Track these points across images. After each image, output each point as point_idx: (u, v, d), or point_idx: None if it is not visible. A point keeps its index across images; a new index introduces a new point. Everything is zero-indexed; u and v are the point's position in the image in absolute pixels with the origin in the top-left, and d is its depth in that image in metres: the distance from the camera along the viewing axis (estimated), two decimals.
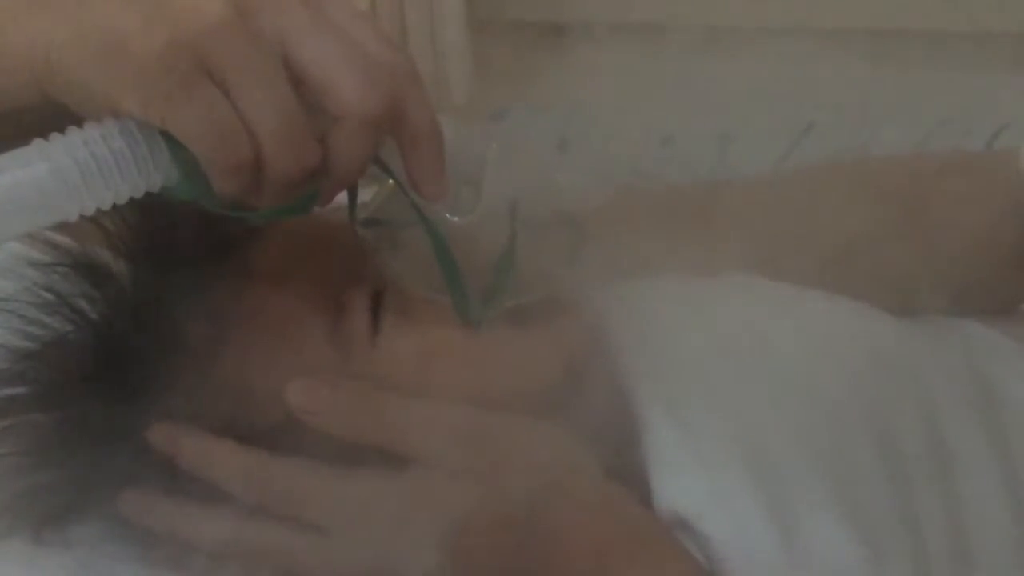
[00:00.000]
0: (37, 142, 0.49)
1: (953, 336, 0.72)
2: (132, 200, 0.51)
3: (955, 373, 0.68)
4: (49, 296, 0.61)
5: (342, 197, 0.57)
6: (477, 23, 1.51)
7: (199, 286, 0.60)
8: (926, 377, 0.67)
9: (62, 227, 0.56)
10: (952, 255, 0.74)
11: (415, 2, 1.50)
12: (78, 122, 0.49)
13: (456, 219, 0.59)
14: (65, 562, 0.62)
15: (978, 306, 0.75)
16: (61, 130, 0.49)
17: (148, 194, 0.51)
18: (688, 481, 0.60)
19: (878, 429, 0.64)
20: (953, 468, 0.64)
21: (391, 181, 0.58)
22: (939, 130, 1.14)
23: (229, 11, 0.48)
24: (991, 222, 0.74)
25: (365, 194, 0.60)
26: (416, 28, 1.50)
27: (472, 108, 1.49)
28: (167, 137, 0.50)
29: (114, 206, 0.50)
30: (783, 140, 1.13)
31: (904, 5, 1.24)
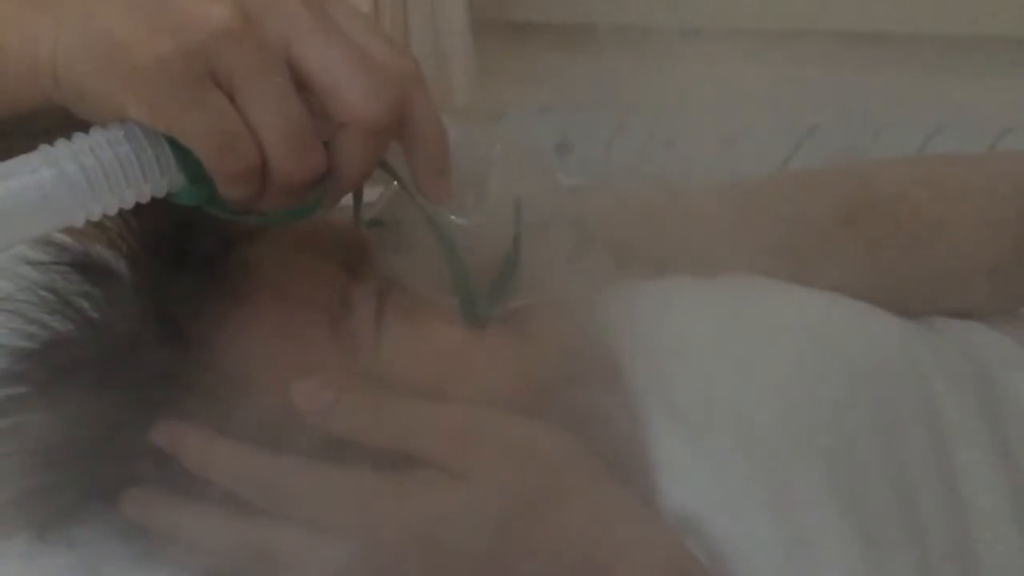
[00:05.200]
0: (43, 147, 0.49)
1: (956, 337, 0.72)
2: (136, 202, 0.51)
3: (957, 374, 0.68)
4: (49, 295, 0.61)
5: (347, 197, 0.57)
6: (479, 25, 1.51)
7: (201, 284, 0.60)
8: (929, 378, 0.67)
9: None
10: (956, 257, 0.74)
11: (417, 4, 1.51)
12: (84, 127, 0.49)
13: (460, 221, 0.59)
14: (68, 562, 0.62)
15: (980, 307, 0.75)
16: (67, 135, 0.49)
17: (154, 199, 0.51)
18: (694, 481, 0.60)
19: (881, 429, 0.64)
20: (956, 468, 0.64)
21: (396, 183, 0.58)
22: (942, 133, 1.14)
23: (234, 16, 0.48)
24: (994, 224, 0.74)
25: (370, 194, 0.60)
26: (418, 30, 1.50)
27: (474, 109, 1.49)
28: (173, 142, 0.50)
29: None
30: (786, 143, 1.14)
31: (908, 9, 1.24)
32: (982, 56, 1.19)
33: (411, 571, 0.57)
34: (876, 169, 0.82)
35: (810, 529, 0.59)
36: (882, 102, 1.18)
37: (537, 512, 0.58)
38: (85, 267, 0.62)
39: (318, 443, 0.57)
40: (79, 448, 0.60)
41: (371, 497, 0.57)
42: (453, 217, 0.58)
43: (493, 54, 1.50)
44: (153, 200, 0.51)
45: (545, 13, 1.38)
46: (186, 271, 0.60)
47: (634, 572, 0.58)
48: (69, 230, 0.62)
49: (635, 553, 0.59)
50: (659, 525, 0.60)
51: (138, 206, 0.51)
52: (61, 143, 0.49)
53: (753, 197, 0.77)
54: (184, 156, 0.50)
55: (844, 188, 0.77)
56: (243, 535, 0.59)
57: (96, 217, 0.49)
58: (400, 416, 0.58)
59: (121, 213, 0.59)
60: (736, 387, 0.64)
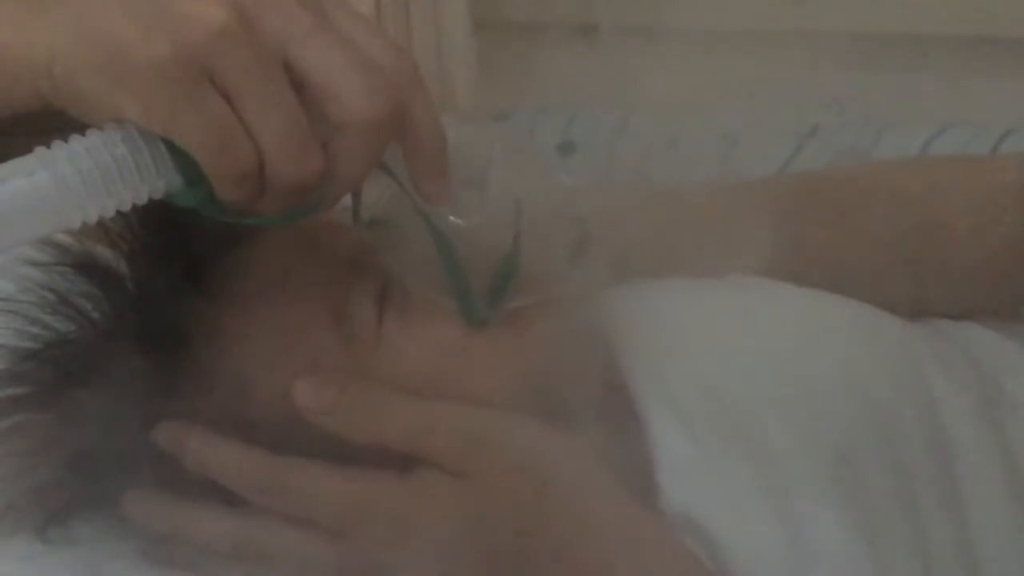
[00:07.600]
0: (39, 150, 0.48)
1: (957, 340, 0.72)
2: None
3: (959, 375, 0.68)
4: (50, 296, 0.61)
5: (347, 197, 0.57)
6: (481, 25, 1.51)
7: (201, 285, 0.60)
8: (930, 379, 0.67)
9: None
10: (956, 259, 0.74)
11: (419, 5, 1.51)
12: (80, 129, 0.49)
13: (460, 221, 0.59)
14: (69, 561, 0.62)
15: (984, 309, 0.75)
16: (64, 137, 0.49)
17: (151, 200, 0.51)
18: (694, 481, 0.60)
19: (882, 431, 0.64)
20: (956, 470, 0.64)
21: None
22: (944, 134, 1.14)
23: (231, 18, 0.48)
24: (995, 227, 0.74)
25: (369, 194, 0.60)
26: (421, 31, 1.50)
27: (476, 110, 1.49)
28: (169, 144, 0.50)
29: None
30: (787, 143, 1.14)
31: (909, 9, 1.24)
32: (984, 57, 1.19)
33: (411, 571, 0.57)
34: (876, 170, 0.82)
35: (811, 529, 0.59)
36: (883, 103, 1.18)
37: (537, 512, 0.58)
38: (86, 268, 0.62)
39: (319, 443, 0.58)
40: (79, 448, 0.60)
41: (371, 497, 0.57)
42: (452, 218, 0.58)
43: (495, 54, 1.50)
44: (153, 201, 0.51)
45: (545, 13, 1.38)
46: (187, 271, 0.60)
47: (636, 572, 0.58)
48: (70, 230, 0.62)
49: (637, 553, 0.59)
50: (661, 525, 0.60)
51: (139, 206, 0.51)
52: (57, 145, 0.49)
53: (754, 197, 0.77)
54: (181, 158, 0.50)
55: (844, 189, 0.77)
56: (244, 535, 0.59)
57: (93, 220, 0.49)
58: (401, 416, 0.58)
59: (122, 213, 0.60)
60: (737, 387, 0.64)
